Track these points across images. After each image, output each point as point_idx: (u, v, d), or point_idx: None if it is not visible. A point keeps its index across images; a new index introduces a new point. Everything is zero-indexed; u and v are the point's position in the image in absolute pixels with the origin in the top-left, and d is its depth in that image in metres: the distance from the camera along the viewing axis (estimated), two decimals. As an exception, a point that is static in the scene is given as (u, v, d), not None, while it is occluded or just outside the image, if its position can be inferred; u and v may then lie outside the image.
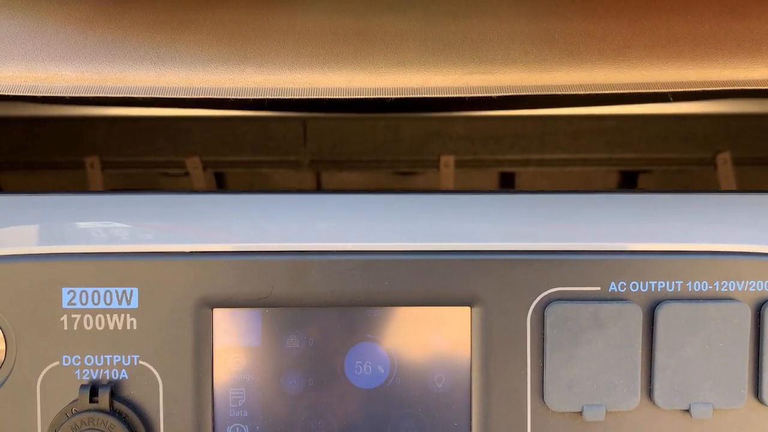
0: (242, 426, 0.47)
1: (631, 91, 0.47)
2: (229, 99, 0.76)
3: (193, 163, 0.88)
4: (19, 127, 0.87)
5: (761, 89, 0.80)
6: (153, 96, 0.46)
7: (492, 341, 0.46)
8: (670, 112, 0.90)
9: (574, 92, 0.47)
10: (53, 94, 0.46)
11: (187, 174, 0.88)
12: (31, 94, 0.46)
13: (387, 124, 0.89)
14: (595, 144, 0.91)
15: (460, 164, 0.90)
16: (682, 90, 0.47)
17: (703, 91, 0.79)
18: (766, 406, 0.47)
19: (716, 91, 0.81)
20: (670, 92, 0.47)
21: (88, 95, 0.46)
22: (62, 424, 0.44)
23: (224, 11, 0.48)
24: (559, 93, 0.47)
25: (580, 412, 0.46)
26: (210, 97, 0.46)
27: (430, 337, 0.47)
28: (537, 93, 0.47)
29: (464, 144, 0.90)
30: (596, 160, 0.91)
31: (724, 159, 0.89)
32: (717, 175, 0.89)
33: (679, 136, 0.90)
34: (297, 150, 0.89)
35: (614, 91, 0.47)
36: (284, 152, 0.89)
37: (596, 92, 0.47)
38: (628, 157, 0.90)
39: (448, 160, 0.89)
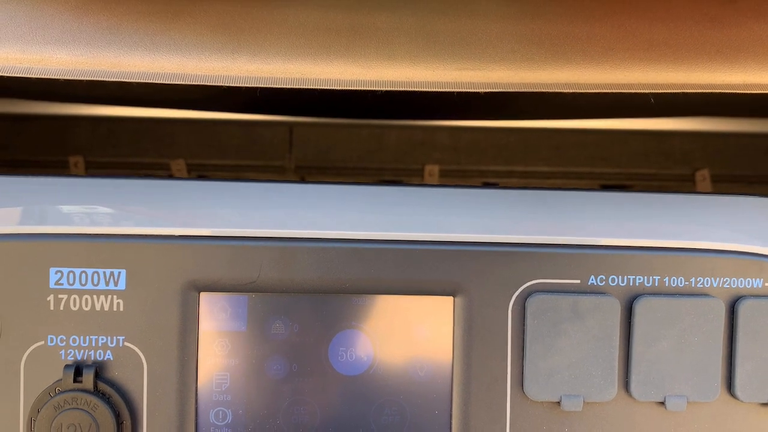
0: (225, 410, 0.47)
1: (614, 90, 0.48)
2: (217, 102, 0.77)
3: (178, 166, 0.88)
4: (3, 125, 0.87)
5: (739, 107, 0.82)
6: (147, 81, 0.46)
7: (474, 331, 0.47)
8: (651, 128, 0.92)
9: (559, 90, 0.48)
10: (47, 76, 0.46)
11: (171, 177, 0.88)
12: (25, 76, 0.46)
13: (372, 132, 0.90)
14: (577, 157, 0.92)
15: (444, 174, 0.91)
16: (663, 92, 0.48)
17: (684, 108, 0.81)
18: (738, 400, 0.48)
19: (696, 108, 0.83)
20: (651, 93, 0.49)
21: (83, 78, 0.46)
22: (45, 404, 0.44)
23: (219, 3, 0.49)
24: (545, 90, 0.48)
25: (558, 402, 0.47)
26: (203, 84, 0.46)
27: (413, 326, 0.48)
28: (524, 90, 0.48)
29: (449, 154, 0.91)
30: (578, 174, 0.92)
31: (703, 176, 0.91)
32: (696, 191, 0.90)
33: (660, 152, 0.92)
34: (282, 155, 0.89)
35: (598, 90, 0.48)
36: (269, 157, 0.89)
37: (580, 91, 0.48)
38: (609, 172, 0.92)
39: (432, 170, 0.90)
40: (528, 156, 0.91)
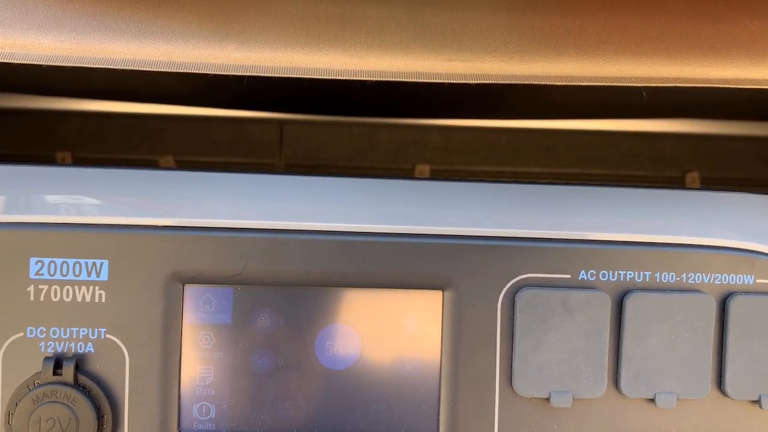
0: (209, 405, 0.46)
1: (606, 84, 0.48)
2: (207, 96, 0.76)
3: (167, 162, 0.87)
4: None
5: (730, 110, 0.82)
6: (133, 68, 0.46)
7: (463, 325, 0.46)
8: (642, 130, 0.92)
9: (552, 83, 0.47)
10: (30, 62, 0.45)
11: (155, 167, 0.87)
12: (7, 61, 0.45)
13: (363, 131, 0.90)
14: (567, 159, 0.92)
15: (434, 174, 0.91)
16: (655, 86, 0.48)
17: (675, 110, 0.81)
18: (728, 397, 0.47)
19: (687, 110, 0.83)
20: (644, 88, 0.48)
21: (66, 64, 0.45)
22: (23, 397, 0.43)
23: None
24: (537, 83, 0.47)
25: (548, 398, 0.46)
26: (190, 71, 0.46)
27: (401, 320, 0.47)
28: (515, 82, 0.47)
29: (440, 154, 0.91)
30: (568, 175, 0.92)
31: (693, 178, 0.91)
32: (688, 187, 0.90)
33: (650, 155, 0.92)
34: (273, 153, 0.89)
35: (590, 84, 0.47)
36: (260, 155, 0.89)
37: (572, 84, 0.47)
38: (600, 173, 0.92)
39: (423, 170, 0.90)
40: (519, 157, 0.91)
